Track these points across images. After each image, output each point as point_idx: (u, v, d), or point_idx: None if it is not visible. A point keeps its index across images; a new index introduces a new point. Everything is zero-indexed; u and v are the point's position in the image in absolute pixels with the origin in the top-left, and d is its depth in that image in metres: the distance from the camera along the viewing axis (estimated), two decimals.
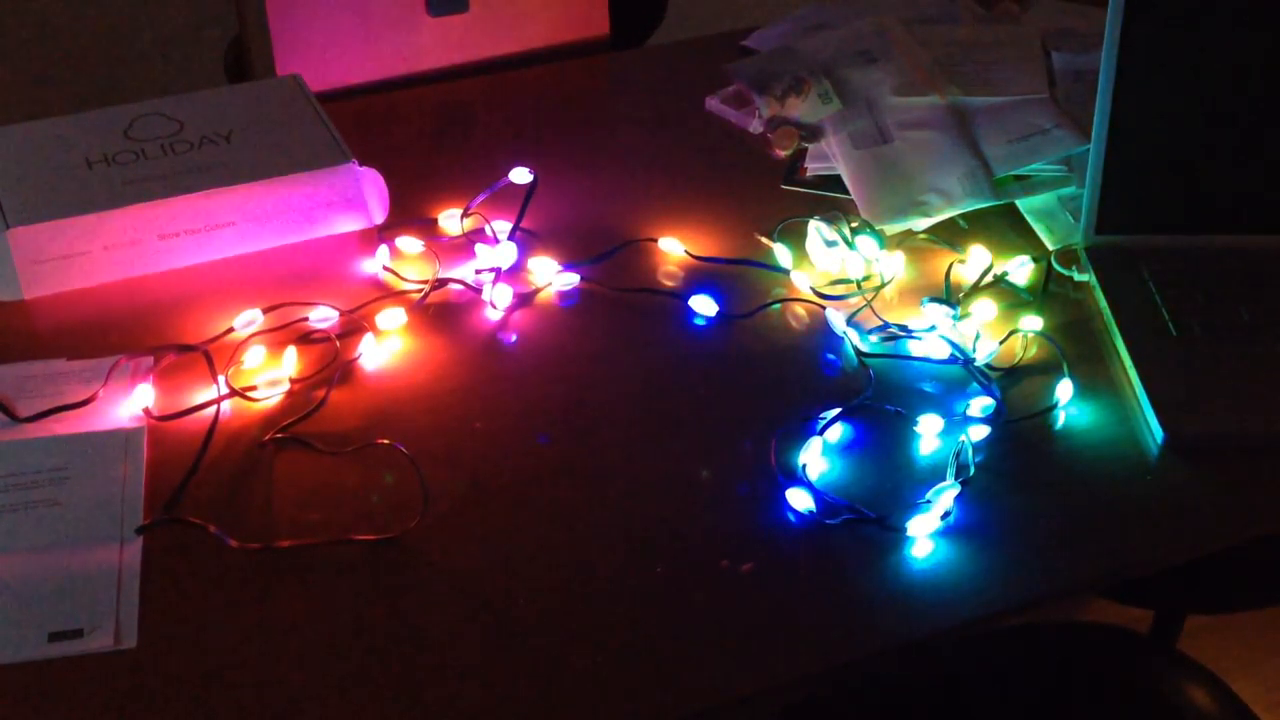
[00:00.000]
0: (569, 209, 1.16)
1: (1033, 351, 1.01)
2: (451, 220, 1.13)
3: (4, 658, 0.77)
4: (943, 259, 1.09)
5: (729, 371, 1.00)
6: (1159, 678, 1.11)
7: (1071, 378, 0.97)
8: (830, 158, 1.20)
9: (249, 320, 1.01)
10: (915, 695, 1.07)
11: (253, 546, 0.84)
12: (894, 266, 1.07)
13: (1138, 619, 1.35)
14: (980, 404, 0.95)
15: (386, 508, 0.87)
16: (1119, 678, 1.10)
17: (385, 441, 0.91)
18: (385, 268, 1.07)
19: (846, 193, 1.16)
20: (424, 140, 1.27)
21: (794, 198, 1.18)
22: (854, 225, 1.10)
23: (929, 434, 0.93)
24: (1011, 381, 0.98)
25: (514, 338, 1.03)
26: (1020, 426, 0.94)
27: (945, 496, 0.87)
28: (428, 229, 1.12)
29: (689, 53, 1.44)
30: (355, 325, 1.01)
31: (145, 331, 1.01)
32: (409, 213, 1.14)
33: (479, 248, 1.09)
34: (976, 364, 0.99)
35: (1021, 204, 1.15)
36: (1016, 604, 0.83)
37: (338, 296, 1.04)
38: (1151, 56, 1.04)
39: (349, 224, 1.12)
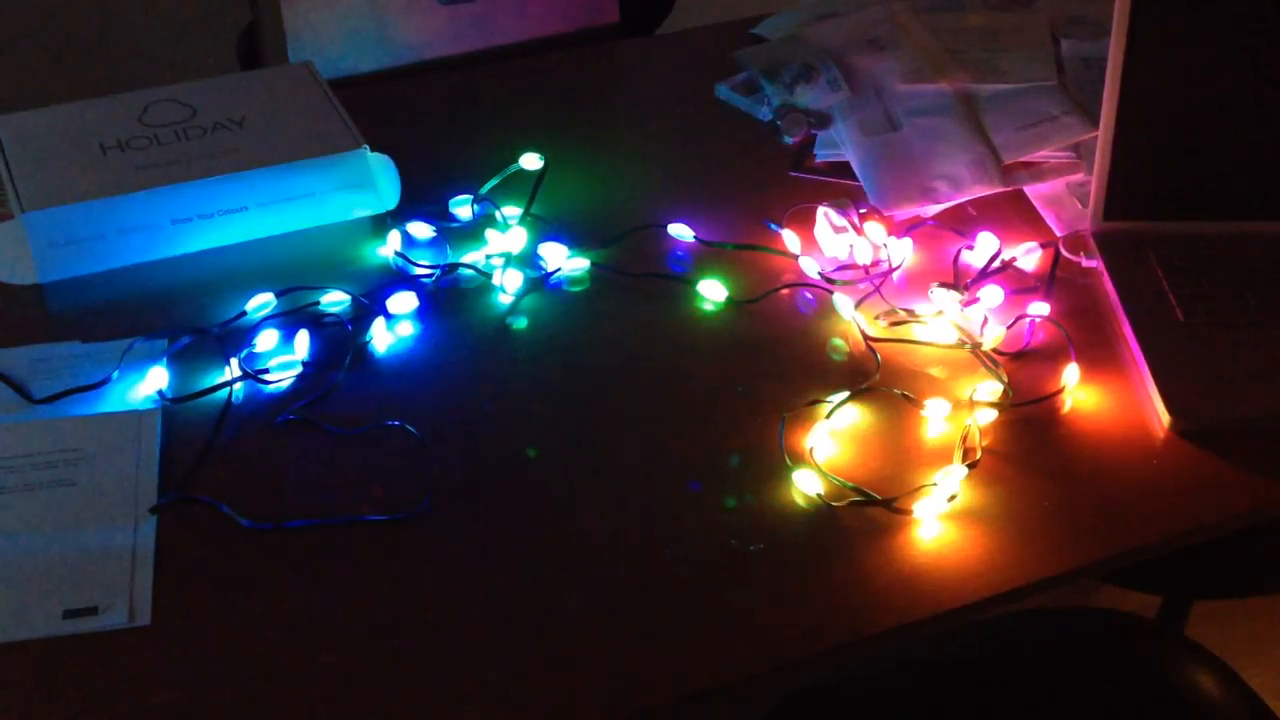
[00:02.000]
0: (579, 195, 1.16)
1: (1040, 337, 1.01)
2: (463, 205, 1.13)
3: (20, 634, 0.78)
4: (951, 245, 1.10)
5: (737, 355, 1.00)
6: (1166, 663, 1.11)
7: (1078, 362, 0.97)
8: (839, 145, 1.20)
9: (262, 304, 1.01)
10: (921, 680, 1.08)
11: (264, 526, 0.84)
12: (902, 252, 1.08)
13: (1145, 605, 1.35)
14: (987, 388, 0.96)
15: (396, 489, 0.88)
16: (1125, 663, 1.10)
17: (396, 423, 0.92)
18: (397, 252, 1.08)
19: (855, 179, 1.17)
20: (435, 127, 1.27)
21: (803, 184, 1.18)
22: (862, 211, 1.11)
23: (936, 418, 0.93)
24: (1019, 366, 0.99)
25: (524, 322, 1.03)
26: (1027, 410, 0.95)
27: (952, 479, 0.88)
28: (439, 214, 1.13)
29: (698, 40, 1.44)
30: (367, 309, 1.02)
31: (159, 315, 1.02)
32: (420, 198, 1.14)
33: (489, 233, 1.10)
34: (984, 348, 0.99)
35: (1030, 190, 1.15)
36: (1022, 586, 0.84)
37: (349, 281, 1.05)
38: (1159, 44, 1.04)
39: (361, 209, 1.13)
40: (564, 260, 1.07)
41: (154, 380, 0.94)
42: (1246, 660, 1.19)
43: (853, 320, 1.02)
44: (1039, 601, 1.00)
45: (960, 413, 0.94)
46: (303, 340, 0.98)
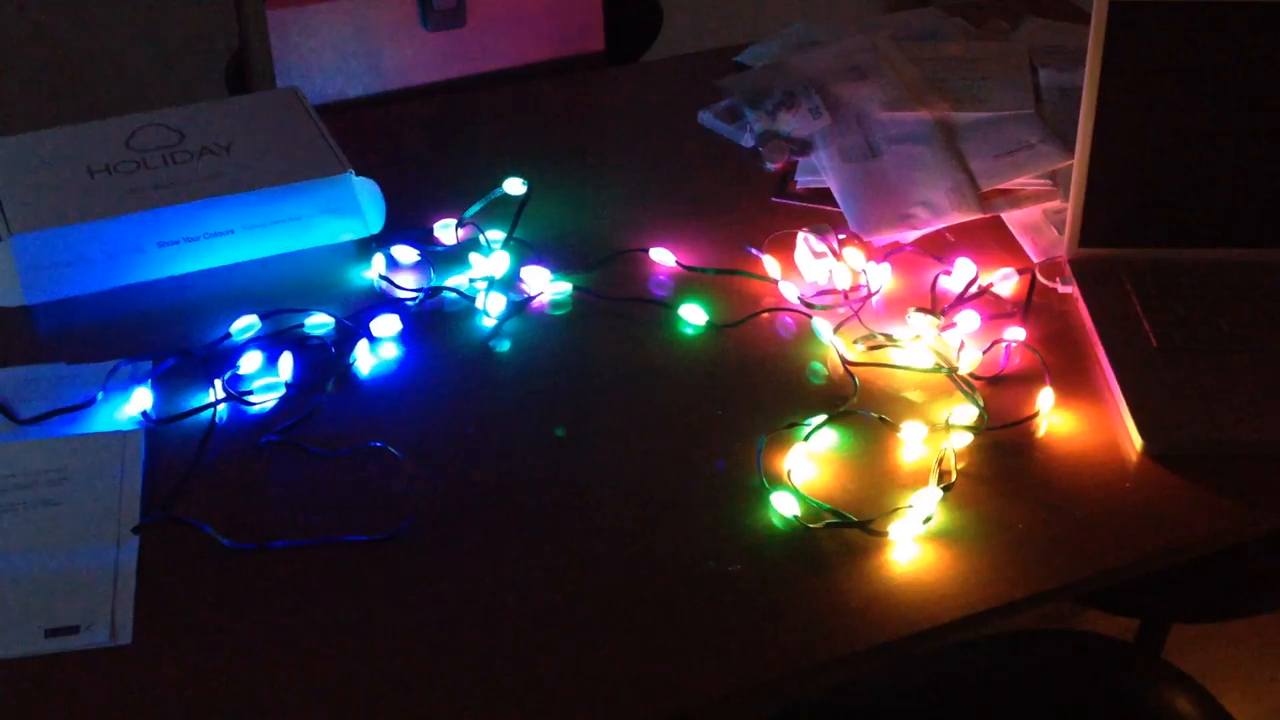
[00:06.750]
0: (562, 219, 1.17)
1: (1016, 361, 1.02)
2: (446, 230, 1.14)
3: (2, 653, 0.78)
4: (929, 270, 1.11)
5: (717, 379, 1.01)
6: (1143, 686, 1.12)
7: (1053, 387, 0.99)
8: (820, 171, 1.22)
9: (246, 326, 1.02)
10: (900, 703, 1.08)
11: (247, 546, 0.85)
12: (881, 277, 1.09)
13: (1125, 629, 1.36)
14: (963, 412, 0.97)
15: (379, 509, 0.88)
16: (1104, 686, 1.11)
17: (379, 444, 0.93)
18: (381, 276, 1.09)
19: (836, 205, 1.18)
20: (420, 152, 1.28)
21: (784, 210, 1.20)
22: (842, 237, 1.12)
23: (912, 441, 0.95)
24: (994, 390, 1.00)
25: (507, 345, 1.04)
26: (1002, 434, 0.96)
27: (927, 502, 0.89)
28: (423, 238, 1.14)
29: (682, 68, 1.46)
30: (351, 332, 1.03)
31: (144, 337, 1.02)
32: (405, 222, 1.15)
33: (473, 257, 1.11)
34: (960, 373, 1.00)
35: (1007, 217, 1.16)
36: (996, 607, 0.84)
37: (334, 303, 1.05)
38: (1133, 74, 1.06)
39: (346, 233, 1.14)
40: (547, 284, 1.09)
41: (139, 401, 0.95)
42: (1224, 684, 1.19)
43: (831, 344, 1.03)
44: (1018, 624, 1.01)
45: (936, 436, 0.95)
46: (286, 362, 0.99)
